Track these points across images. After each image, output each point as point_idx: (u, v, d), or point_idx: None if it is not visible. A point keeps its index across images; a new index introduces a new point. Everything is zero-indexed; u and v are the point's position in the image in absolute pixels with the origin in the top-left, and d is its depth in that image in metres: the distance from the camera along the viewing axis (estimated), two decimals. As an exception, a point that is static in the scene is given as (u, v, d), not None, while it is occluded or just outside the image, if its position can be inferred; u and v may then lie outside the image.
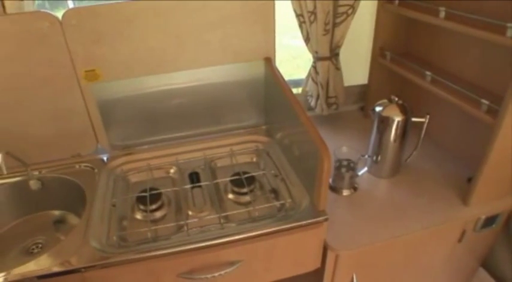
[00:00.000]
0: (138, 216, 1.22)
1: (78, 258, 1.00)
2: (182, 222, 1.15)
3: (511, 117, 1.04)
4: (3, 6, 1.16)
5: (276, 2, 1.34)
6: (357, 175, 1.37)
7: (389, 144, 1.33)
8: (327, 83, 1.57)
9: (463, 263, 1.48)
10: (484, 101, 1.13)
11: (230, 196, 1.29)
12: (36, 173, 1.35)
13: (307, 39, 1.48)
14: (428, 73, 1.33)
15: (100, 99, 1.34)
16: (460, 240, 1.32)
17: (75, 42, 1.22)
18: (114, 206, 1.22)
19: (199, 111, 1.46)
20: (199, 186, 1.30)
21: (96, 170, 1.35)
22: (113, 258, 1.01)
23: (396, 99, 1.30)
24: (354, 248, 1.15)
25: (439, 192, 1.31)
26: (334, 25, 1.45)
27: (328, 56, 1.50)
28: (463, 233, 1.29)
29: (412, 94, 1.58)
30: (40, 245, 1.29)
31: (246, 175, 1.30)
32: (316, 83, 1.57)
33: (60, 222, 1.37)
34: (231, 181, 1.30)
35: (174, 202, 1.28)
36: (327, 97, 1.61)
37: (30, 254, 1.26)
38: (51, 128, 1.35)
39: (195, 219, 1.17)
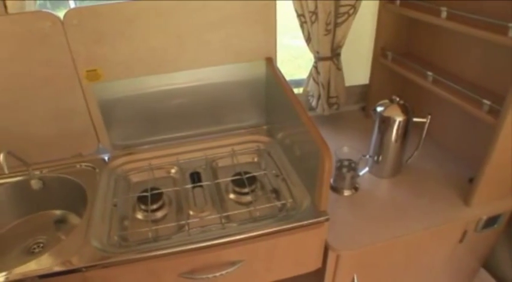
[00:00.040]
0: (139, 216, 1.22)
1: (79, 257, 1.01)
2: (183, 222, 1.15)
3: (513, 117, 1.04)
4: (5, 6, 1.16)
5: (277, 2, 1.34)
6: (358, 175, 1.37)
7: (391, 144, 1.33)
8: (328, 83, 1.57)
9: (464, 263, 1.48)
10: (485, 101, 1.13)
11: (231, 196, 1.29)
12: (37, 172, 1.35)
13: (308, 39, 1.48)
14: (429, 73, 1.33)
15: (101, 99, 1.34)
16: (461, 241, 1.32)
17: (77, 42, 1.22)
18: (115, 205, 1.22)
19: (200, 111, 1.46)
20: (201, 186, 1.30)
21: (97, 170, 1.35)
22: (114, 258, 1.01)
23: (397, 99, 1.30)
24: (355, 248, 1.14)
25: (440, 193, 1.31)
26: (336, 25, 1.45)
27: (329, 56, 1.50)
28: (464, 233, 1.29)
29: (413, 94, 1.58)
30: (41, 245, 1.29)
31: (247, 175, 1.30)
32: (317, 83, 1.57)
33: (61, 221, 1.37)
34: (232, 181, 1.30)
35: (175, 202, 1.28)
36: (328, 97, 1.61)
37: (31, 253, 1.27)
38: (52, 128, 1.35)
39: (196, 219, 1.17)
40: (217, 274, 1.06)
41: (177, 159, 1.41)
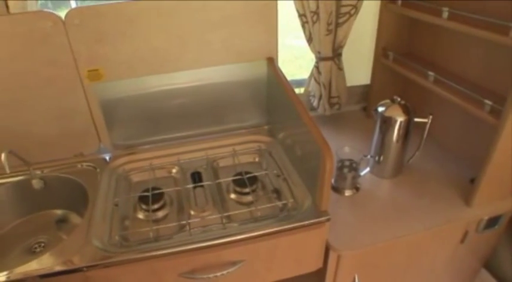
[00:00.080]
0: (140, 215, 1.22)
1: (81, 257, 1.01)
2: (184, 222, 1.15)
3: (514, 117, 1.04)
4: (7, 6, 1.16)
5: (279, 2, 1.34)
6: (359, 175, 1.37)
7: (392, 144, 1.33)
8: (330, 83, 1.57)
9: (465, 264, 1.48)
10: (487, 101, 1.13)
11: (232, 196, 1.29)
12: (38, 172, 1.35)
13: (309, 39, 1.48)
14: (431, 73, 1.33)
15: (102, 99, 1.34)
16: (462, 241, 1.31)
17: (78, 41, 1.22)
18: (116, 205, 1.22)
19: (202, 111, 1.46)
20: (202, 186, 1.30)
21: (98, 170, 1.35)
22: (115, 258, 1.01)
23: (399, 99, 1.30)
24: (356, 248, 1.14)
25: (441, 193, 1.31)
26: (337, 25, 1.45)
27: (330, 56, 1.50)
28: (466, 233, 1.29)
29: (414, 94, 1.58)
30: (42, 244, 1.29)
31: (248, 175, 1.30)
32: (318, 83, 1.57)
33: (62, 221, 1.37)
34: (233, 181, 1.30)
35: (176, 202, 1.28)
36: (330, 97, 1.61)
37: (32, 253, 1.27)
38: (54, 128, 1.35)
39: (197, 219, 1.17)
40: (218, 274, 1.06)
41: (178, 159, 1.41)
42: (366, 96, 1.80)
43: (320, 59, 1.50)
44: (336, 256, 1.16)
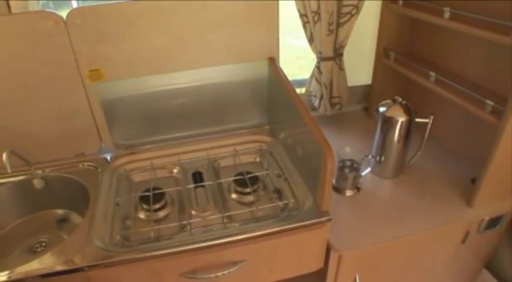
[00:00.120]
0: (141, 215, 1.22)
1: (82, 257, 1.01)
2: (185, 222, 1.15)
3: (516, 118, 1.04)
4: (8, 6, 1.16)
5: (280, 2, 1.34)
6: (360, 175, 1.37)
7: (393, 144, 1.33)
8: (331, 83, 1.57)
9: (466, 264, 1.48)
10: (488, 101, 1.13)
11: (233, 196, 1.29)
12: (39, 172, 1.35)
13: (310, 40, 1.48)
14: (432, 73, 1.33)
15: (104, 99, 1.34)
16: (463, 242, 1.31)
17: (79, 41, 1.22)
18: (117, 205, 1.22)
19: (203, 111, 1.46)
20: (203, 186, 1.30)
21: (99, 169, 1.35)
22: (116, 258, 1.01)
23: (400, 99, 1.30)
24: (357, 248, 1.14)
25: (442, 193, 1.31)
26: (338, 25, 1.45)
27: (331, 56, 1.50)
28: (467, 234, 1.29)
29: (416, 94, 1.58)
30: (44, 244, 1.30)
31: (250, 175, 1.30)
32: (319, 83, 1.57)
33: (63, 221, 1.37)
34: (235, 181, 1.30)
35: (177, 202, 1.28)
36: (331, 97, 1.61)
37: (33, 252, 1.27)
38: (55, 127, 1.35)
39: (198, 219, 1.17)
40: (219, 274, 1.06)
41: (179, 159, 1.41)
42: (367, 96, 1.80)
43: (321, 59, 1.50)
44: (337, 256, 1.16)
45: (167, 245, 1.04)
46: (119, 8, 1.21)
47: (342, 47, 1.51)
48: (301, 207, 1.16)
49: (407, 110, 1.28)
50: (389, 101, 1.32)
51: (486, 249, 1.45)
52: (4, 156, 1.14)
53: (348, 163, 1.35)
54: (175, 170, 1.40)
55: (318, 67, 1.55)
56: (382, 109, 1.32)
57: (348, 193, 1.33)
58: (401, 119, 1.27)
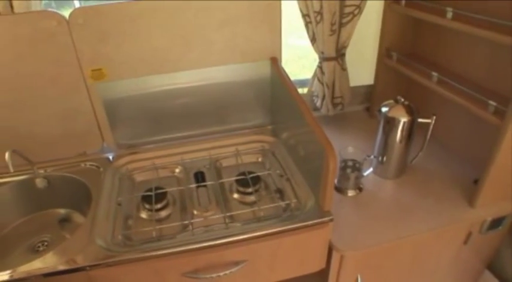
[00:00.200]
0: (143, 215, 1.22)
1: (84, 256, 1.01)
2: (187, 222, 1.15)
3: (519, 118, 1.04)
4: (11, 6, 1.16)
5: (282, 2, 1.34)
6: (362, 176, 1.36)
7: (395, 145, 1.33)
8: (333, 84, 1.56)
9: (468, 265, 1.48)
10: (491, 102, 1.12)
11: (235, 196, 1.29)
12: (42, 171, 1.36)
13: (313, 40, 1.47)
14: (434, 74, 1.33)
15: (106, 99, 1.35)
16: (465, 242, 1.31)
17: (82, 41, 1.23)
18: (119, 204, 1.23)
19: (205, 111, 1.46)
20: (205, 186, 1.30)
21: (101, 169, 1.35)
22: (118, 257, 1.01)
23: (402, 99, 1.30)
24: (359, 248, 1.14)
25: (444, 194, 1.30)
26: (341, 25, 1.44)
27: (334, 57, 1.50)
28: (469, 234, 1.28)
29: (418, 95, 1.57)
30: (46, 243, 1.30)
31: (252, 175, 1.30)
32: (322, 83, 1.57)
33: (65, 220, 1.38)
34: (236, 181, 1.30)
35: (179, 201, 1.28)
36: (333, 97, 1.61)
37: (36, 252, 1.27)
38: (57, 127, 1.36)
39: (200, 219, 1.18)
40: (221, 274, 1.06)
41: (181, 158, 1.41)
42: (369, 96, 1.80)
43: (323, 59, 1.50)
44: (339, 256, 1.16)
45: (169, 244, 1.04)
46: (122, 8, 1.21)
47: (344, 47, 1.51)
48: (303, 207, 1.16)
49: (410, 111, 1.28)
50: (391, 101, 1.32)
51: (488, 250, 1.45)
52: (7, 155, 1.14)
53: (350, 163, 1.35)
54: (177, 170, 1.40)
55: (320, 67, 1.54)
56: (384, 109, 1.31)
57: (350, 193, 1.32)
58: (403, 119, 1.27)
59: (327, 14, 1.38)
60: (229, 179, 1.32)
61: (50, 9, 1.18)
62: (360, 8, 1.41)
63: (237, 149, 1.45)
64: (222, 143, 1.47)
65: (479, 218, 1.24)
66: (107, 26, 1.22)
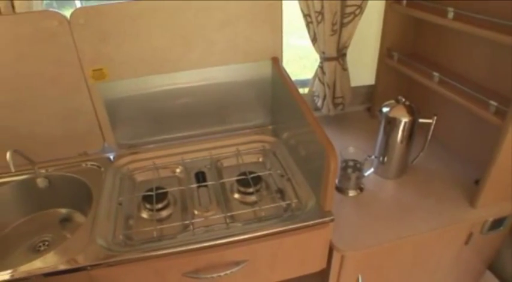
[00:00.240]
0: (144, 215, 1.22)
1: (85, 256, 1.01)
2: (188, 222, 1.15)
3: (520, 118, 1.04)
4: (13, 6, 1.17)
5: (284, 2, 1.34)
6: (363, 176, 1.36)
7: (396, 145, 1.33)
8: (334, 84, 1.56)
9: (470, 265, 1.47)
10: (492, 102, 1.12)
11: (236, 196, 1.29)
12: (43, 171, 1.36)
13: (314, 40, 1.47)
14: (435, 74, 1.32)
15: (107, 99, 1.35)
16: (466, 243, 1.31)
17: (83, 41, 1.23)
18: (120, 204, 1.23)
19: (206, 111, 1.46)
20: (205, 186, 1.30)
21: (102, 169, 1.35)
22: (119, 257, 1.01)
23: (403, 100, 1.30)
24: (360, 248, 1.14)
25: (446, 194, 1.30)
26: (342, 25, 1.44)
27: (335, 57, 1.49)
28: (470, 235, 1.28)
29: (419, 95, 1.57)
30: (47, 243, 1.30)
31: (252, 175, 1.30)
32: (323, 83, 1.57)
33: (66, 220, 1.38)
34: (237, 181, 1.30)
35: (180, 201, 1.28)
36: (334, 97, 1.60)
37: (36, 251, 1.27)
38: (58, 127, 1.36)
39: (201, 219, 1.18)
40: (222, 274, 1.06)
41: (182, 158, 1.41)
42: (370, 96, 1.79)
43: (324, 59, 1.50)
44: (340, 256, 1.16)
45: (170, 244, 1.04)
46: (122, 8, 1.21)
47: (345, 47, 1.50)
48: (304, 207, 1.16)
49: (411, 111, 1.28)
50: (392, 101, 1.32)
51: (489, 251, 1.45)
52: (8, 155, 1.14)
53: (351, 163, 1.35)
54: (178, 170, 1.40)
55: (321, 67, 1.54)
56: (385, 109, 1.31)
57: (351, 193, 1.32)
58: (404, 119, 1.27)
59: (328, 14, 1.38)
60: (230, 179, 1.32)
61: (51, 9, 1.18)
62: (361, 8, 1.41)
63: (238, 149, 1.45)
64: (222, 143, 1.47)
65: (480, 218, 1.24)
66: (108, 26, 1.22)
